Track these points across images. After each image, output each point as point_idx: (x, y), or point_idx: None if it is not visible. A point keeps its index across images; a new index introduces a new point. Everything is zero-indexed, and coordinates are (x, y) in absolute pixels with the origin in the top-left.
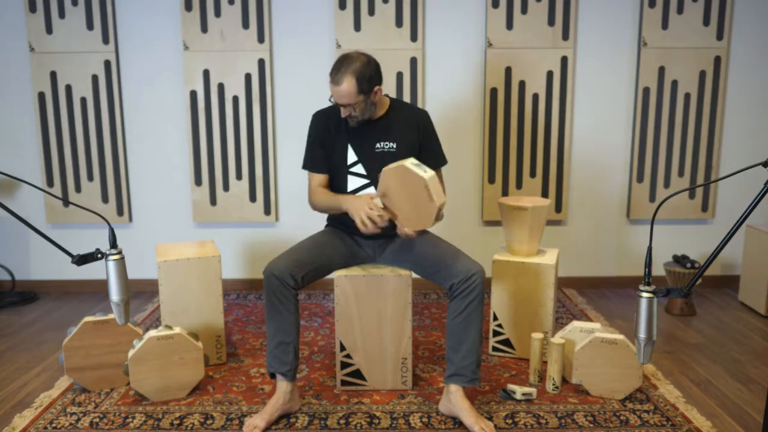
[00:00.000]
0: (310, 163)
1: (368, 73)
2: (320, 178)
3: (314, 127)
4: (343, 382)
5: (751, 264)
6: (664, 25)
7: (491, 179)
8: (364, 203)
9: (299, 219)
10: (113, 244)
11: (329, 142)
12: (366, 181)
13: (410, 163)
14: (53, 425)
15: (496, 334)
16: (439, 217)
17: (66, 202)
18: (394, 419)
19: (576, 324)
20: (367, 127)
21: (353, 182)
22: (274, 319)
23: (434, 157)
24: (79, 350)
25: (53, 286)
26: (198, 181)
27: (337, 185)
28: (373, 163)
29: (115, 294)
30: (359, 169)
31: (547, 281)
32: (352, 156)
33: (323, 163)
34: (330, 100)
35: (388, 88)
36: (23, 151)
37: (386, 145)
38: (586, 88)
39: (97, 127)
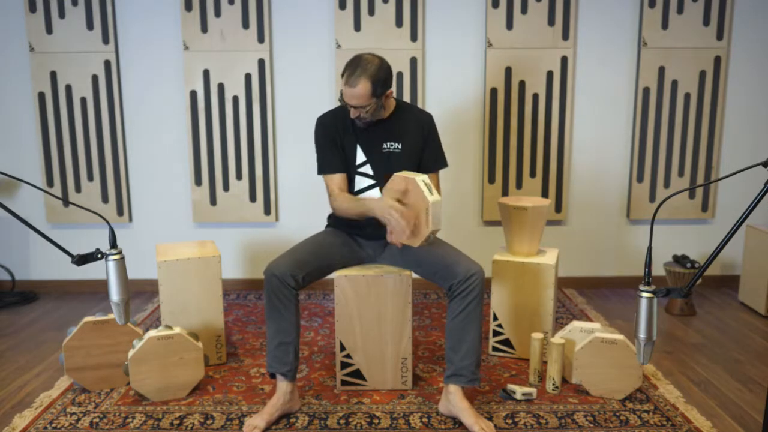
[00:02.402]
0: (327, 166)
1: (382, 76)
2: (339, 179)
3: (322, 131)
4: (343, 382)
5: (751, 264)
6: (664, 25)
7: (491, 179)
8: (389, 204)
9: (299, 219)
10: (113, 244)
11: (340, 143)
12: (372, 181)
13: (421, 180)
14: (53, 425)
15: (496, 334)
16: (428, 240)
17: (66, 202)
18: (394, 419)
19: (576, 324)
20: (374, 128)
21: (360, 182)
22: (274, 320)
23: (435, 160)
24: (79, 350)
25: (53, 286)
26: (198, 181)
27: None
28: (380, 163)
29: (115, 294)
30: (367, 169)
31: (547, 281)
32: (361, 156)
33: (340, 163)
34: (339, 99)
35: None
36: (23, 151)
37: (392, 145)
38: (586, 88)
39: (97, 127)
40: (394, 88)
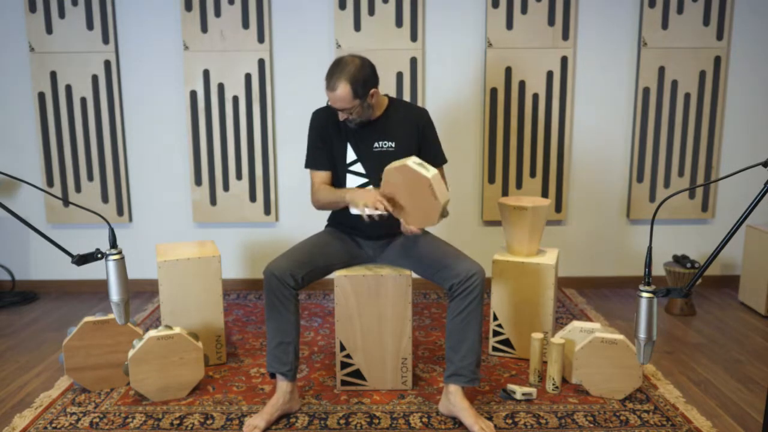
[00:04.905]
0: (312, 161)
1: (362, 76)
2: (323, 175)
3: (314, 125)
4: (343, 382)
5: (751, 264)
6: (664, 25)
7: (491, 179)
8: (371, 194)
9: (299, 219)
10: (113, 244)
11: (329, 140)
12: (365, 180)
13: (413, 162)
14: (53, 425)
15: (496, 334)
16: (444, 214)
17: (66, 202)
18: (394, 419)
19: (576, 324)
20: (365, 127)
21: (352, 181)
22: (274, 319)
23: (434, 156)
24: (79, 350)
25: (53, 286)
26: (198, 181)
27: (336, 184)
28: (372, 163)
29: (115, 294)
30: (358, 168)
31: (547, 281)
32: (351, 155)
33: (325, 160)
34: (327, 104)
35: (388, 88)
36: (23, 151)
37: (385, 144)
38: (586, 88)
39: (97, 127)
40: (392, 88)
